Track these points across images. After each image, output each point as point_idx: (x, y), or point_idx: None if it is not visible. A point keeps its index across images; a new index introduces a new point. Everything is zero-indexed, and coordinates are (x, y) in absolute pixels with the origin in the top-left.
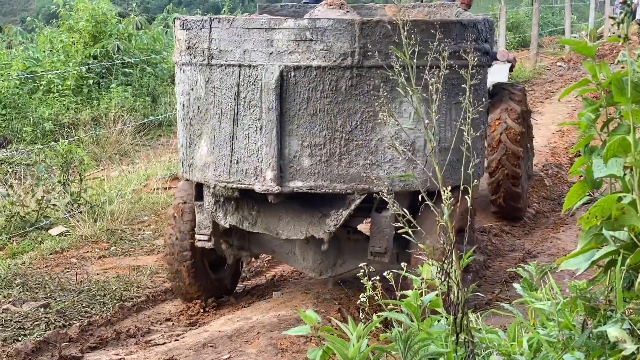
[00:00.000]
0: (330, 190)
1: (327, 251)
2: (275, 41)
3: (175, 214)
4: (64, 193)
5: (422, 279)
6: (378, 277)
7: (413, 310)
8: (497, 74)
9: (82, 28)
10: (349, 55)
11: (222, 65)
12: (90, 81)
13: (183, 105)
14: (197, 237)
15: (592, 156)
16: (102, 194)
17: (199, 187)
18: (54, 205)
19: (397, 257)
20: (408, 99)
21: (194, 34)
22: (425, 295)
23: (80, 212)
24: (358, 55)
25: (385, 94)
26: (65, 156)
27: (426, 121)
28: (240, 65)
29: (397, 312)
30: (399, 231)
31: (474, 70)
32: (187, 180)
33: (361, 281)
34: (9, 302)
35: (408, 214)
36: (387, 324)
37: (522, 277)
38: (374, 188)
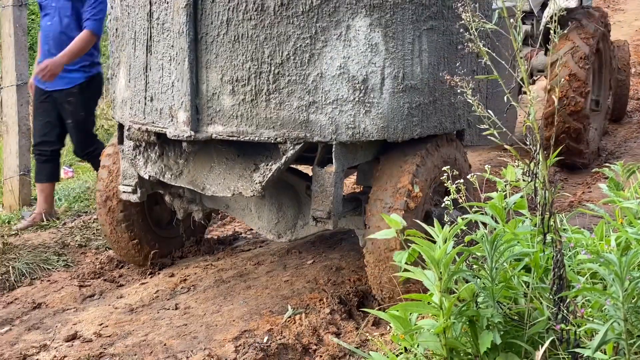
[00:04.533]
0: (256, 138)
1: (285, 209)
2: None
3: (106, 160)
4: None
5: (506, 181)
6: (462, 181)
7: (498, 212)
8: None
9: None
10: None
11: None
12: None
13: (107, 28)
14: (121, 188)
15: None
16: None
17: (121, 128)
18: None
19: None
20: (359, 22)
21: None
22: (509, 197)
23: None
24: None
25: (326, 16)
26: None
27: (383, 51)
28: None
29: (481, 214)
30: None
31: None
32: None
33: (445, 185)
34: None
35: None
36: (470, 227)
37: (606, 177)
38: (313, 136)
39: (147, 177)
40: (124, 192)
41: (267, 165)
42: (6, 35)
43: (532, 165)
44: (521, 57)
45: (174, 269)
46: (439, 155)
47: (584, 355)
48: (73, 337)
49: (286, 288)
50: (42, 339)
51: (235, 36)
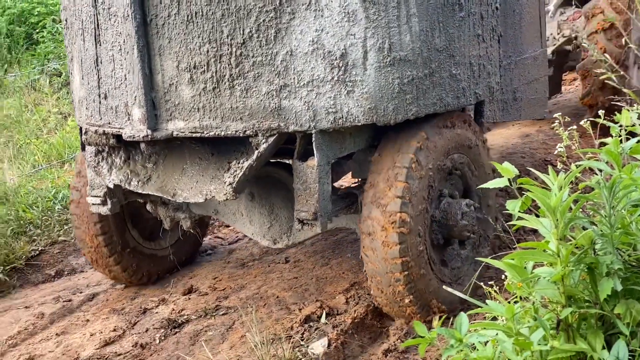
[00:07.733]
0: (222, 132)
1: (277, 211)
2: None
3: (79, 169)
4: None
5: (621, 125)
6: (575, 127)
7: (614, 157)
8: None
9: None
10: None
11: None
12: None
13: (62, 20)
14: (89, 199)
15: None
16: None
17: (82, 132)
18: None
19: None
20: None
21: None
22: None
23: None
24: None
25: None
26: None
27: (363, 19)
28: None
29: (596, 160)
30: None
31: None
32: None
33: (557, 131)
34: None
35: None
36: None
37: None
38: (287, 126)
39: (111, 186)
40: (93, 204)
41: (239, 163)
42: None
43: None
44: (564, 20)
45: None
46: (445, 137)
47: None
48: (189, 291)
49: None
50: (160, 293)
51: (188, 15)
